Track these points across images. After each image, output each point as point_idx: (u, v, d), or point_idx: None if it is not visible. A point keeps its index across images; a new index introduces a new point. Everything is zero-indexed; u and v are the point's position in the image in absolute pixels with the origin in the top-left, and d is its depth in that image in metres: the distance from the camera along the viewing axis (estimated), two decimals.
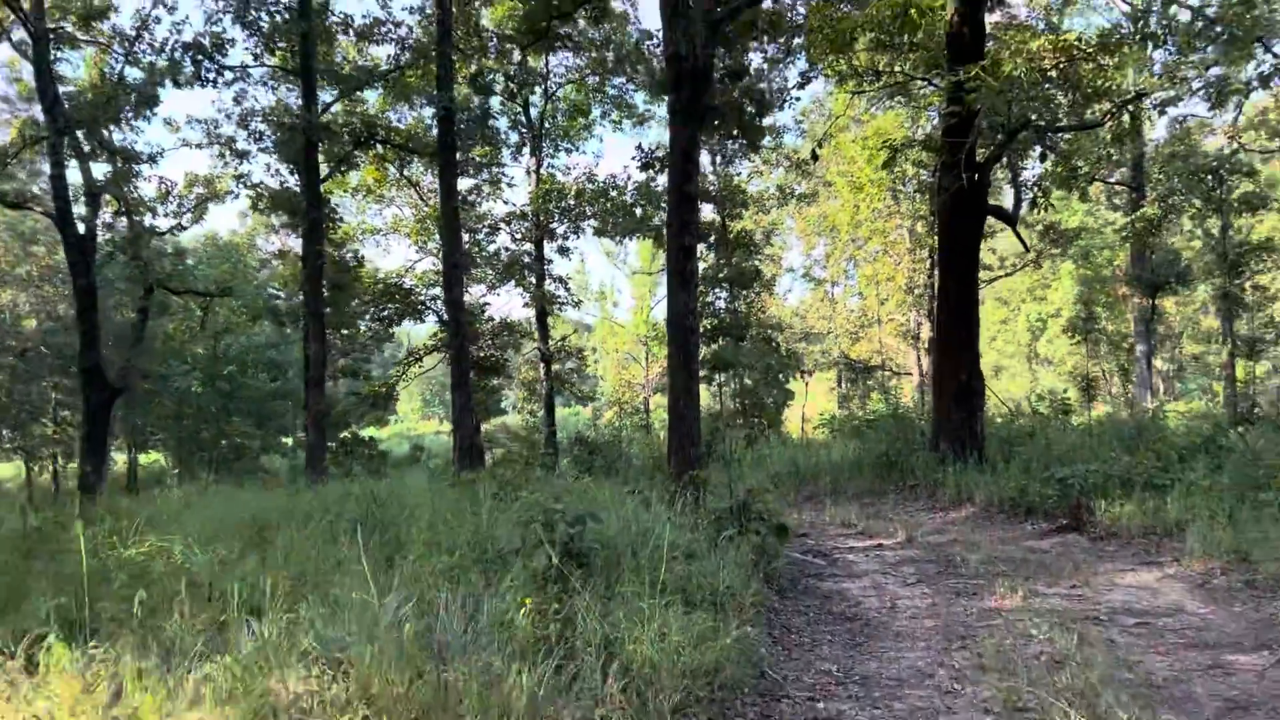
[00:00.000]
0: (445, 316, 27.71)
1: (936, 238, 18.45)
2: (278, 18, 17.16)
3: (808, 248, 44.53)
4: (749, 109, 11.35)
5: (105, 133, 20.07)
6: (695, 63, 10.41)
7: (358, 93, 21.58)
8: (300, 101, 17.85)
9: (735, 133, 11.59)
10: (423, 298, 27.46)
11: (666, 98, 10.91)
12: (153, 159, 21.10)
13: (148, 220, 24.59)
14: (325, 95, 21.65)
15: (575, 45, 24.10)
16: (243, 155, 22.23)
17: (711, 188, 26.53)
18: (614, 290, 66.18)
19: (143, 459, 51.67)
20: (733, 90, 11.08)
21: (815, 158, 16.82)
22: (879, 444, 17.05)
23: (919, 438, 16.59)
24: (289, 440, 45.69)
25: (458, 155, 17.83)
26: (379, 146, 22.12)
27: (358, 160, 23.29)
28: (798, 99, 18.92)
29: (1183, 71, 11.52)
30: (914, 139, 20.26)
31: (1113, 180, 27.56)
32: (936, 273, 16.58)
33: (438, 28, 15.97)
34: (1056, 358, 61.90)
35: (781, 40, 16.73)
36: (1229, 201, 20.09)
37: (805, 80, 17.25)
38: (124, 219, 22.36)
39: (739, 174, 28.32)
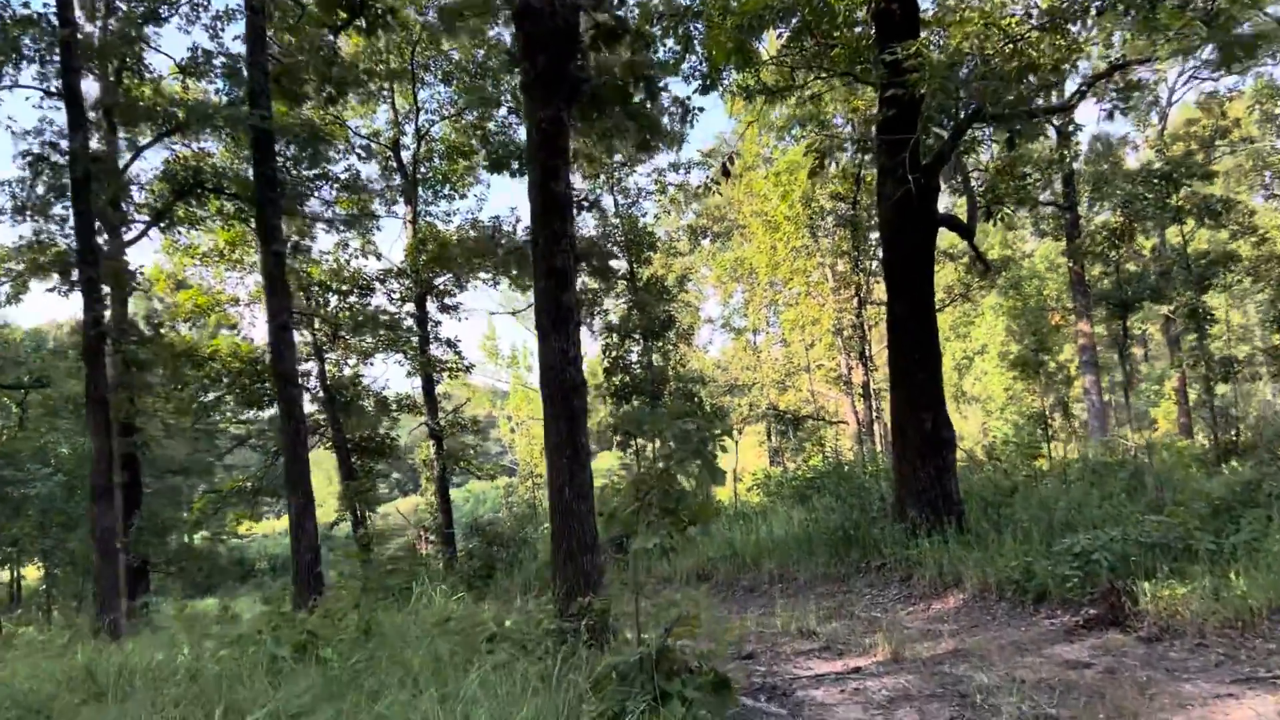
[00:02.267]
0: (319, 395, 24.27)
1: (881, 254, 15.85)
2: (23, 35, 13.63)
3: (725, 295, 42.17)
4: (636, 87, 8.44)
5: None
6: (553, 18, 7.45)
7: (176, 136, 18.19)
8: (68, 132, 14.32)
9: (622, 128, 8.65)
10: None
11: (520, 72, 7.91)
12: None
13: None
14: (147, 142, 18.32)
15: (446, 75, 21.23)
16: (59, 220, 18.61)
17: (614, 230, 23.75)
18: (527, 352, 62.67)
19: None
20: (614, 57, 8.13)
21: (727, 173, 14.08)
22: (831, 513, 14.05)
23: (878, 502, 13.64)
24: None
25: (280, 190, 14.55)
26: (211, 197, 18.69)
27: (193, 215, 19.85)
28: (701, 109, 16.37)
29: (1180, 27, 9.07)
30: (844, 138, 17.76)
31: (1046, 201, 25.63)
32: (886, 302, 13.89)
33: (248, 31, 12.80)
34: (984, 395, 60.46)
35: (679, 34, 14.04)
36: (1185, 209, 17.97)
37: (709, 85, 14.61)
38: None
39: (644, 215, 25.61)
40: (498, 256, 18.71)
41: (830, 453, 28.26)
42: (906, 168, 11.70)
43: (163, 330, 22.39)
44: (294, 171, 17.84)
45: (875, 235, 23.79)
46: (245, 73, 12.99)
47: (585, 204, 18.96)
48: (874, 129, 14.26)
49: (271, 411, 26.89)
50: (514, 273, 21.83)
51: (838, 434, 35.84)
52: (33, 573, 50.43)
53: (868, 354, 30.11)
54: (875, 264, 27.12)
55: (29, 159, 14.53)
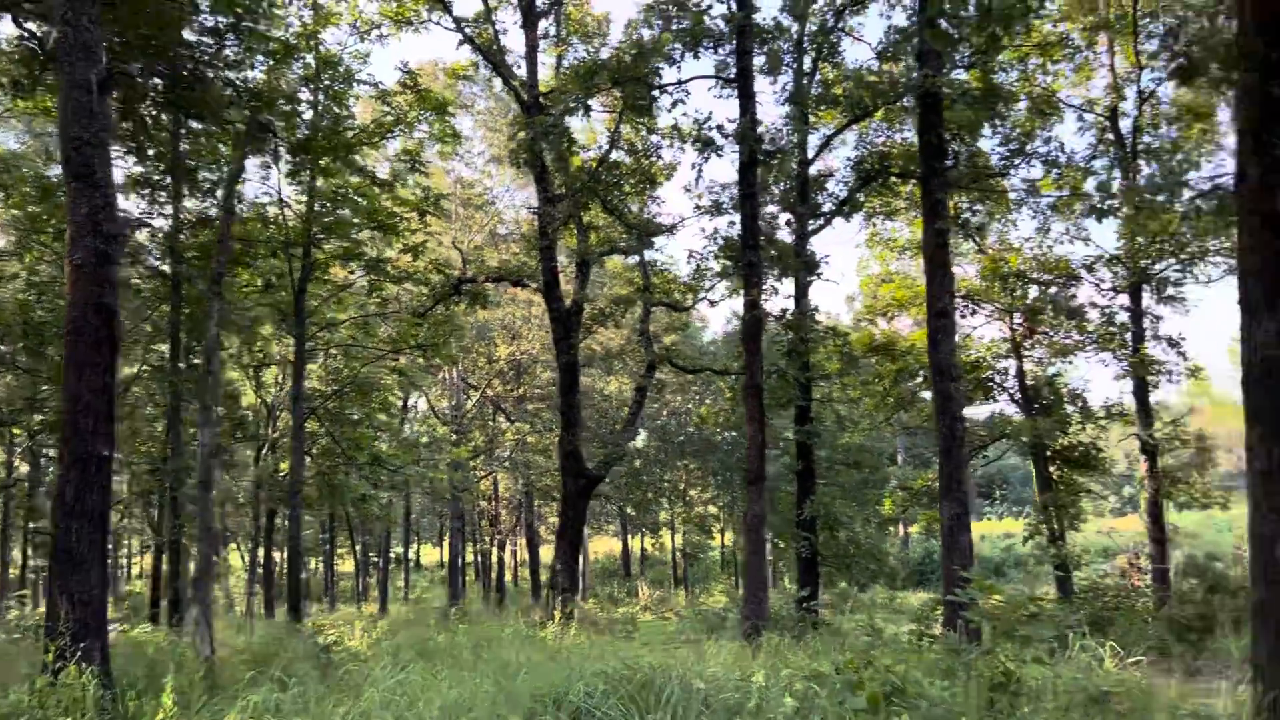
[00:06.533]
0: (1016, 396, 22.53)
1: None
2: (707, 20, 14.27)
3: None
4: None
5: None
6: None
7: (864, 123, 17.82)
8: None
9: None
10: (988, 373, 22.39)
11: None
12: (671, 229, 19.74)
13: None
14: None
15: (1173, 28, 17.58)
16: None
17: None
18: None
19: None
20: None
21: None
22: None
23: None
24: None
25: (948, 162, 13.02)
26: (898, 184, 18.03)
27: (884, 205, 19.58)
28: None
29: None
30: None
31: None
32: None
33: None
34: None
35: None
36: None
37: None
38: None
39: None
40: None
41: None
42: None
43: (862, 324, 22.70)
44: (968, 143, 16.28)
45: None
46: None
47: None
48: None
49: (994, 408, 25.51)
50: None
51: None
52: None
53: None
54: None
55: (694, 142, 15.41)
